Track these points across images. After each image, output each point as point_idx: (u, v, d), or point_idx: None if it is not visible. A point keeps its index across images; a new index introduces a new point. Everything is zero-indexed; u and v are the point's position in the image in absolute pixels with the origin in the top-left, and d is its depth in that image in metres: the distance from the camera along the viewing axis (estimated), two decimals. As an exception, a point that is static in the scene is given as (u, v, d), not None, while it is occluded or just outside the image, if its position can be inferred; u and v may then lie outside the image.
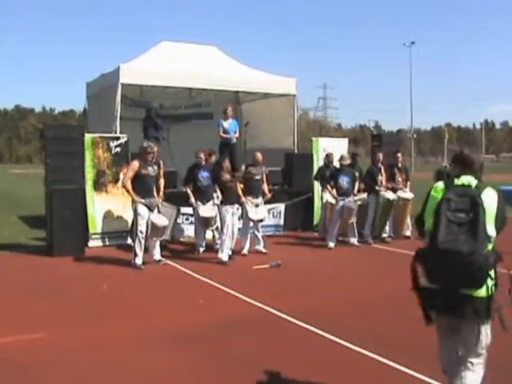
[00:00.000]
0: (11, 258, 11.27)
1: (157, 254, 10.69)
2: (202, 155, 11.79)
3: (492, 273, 3.80)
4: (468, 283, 3.79)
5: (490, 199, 3.91)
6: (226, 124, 14.33)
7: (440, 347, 4.23)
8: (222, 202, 11.06)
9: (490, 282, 3.80)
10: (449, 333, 4.08)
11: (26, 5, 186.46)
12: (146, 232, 10.32)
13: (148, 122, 14.10)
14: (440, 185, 4.10)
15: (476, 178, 4.03)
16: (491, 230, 3.85)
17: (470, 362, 3.98)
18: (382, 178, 13.27)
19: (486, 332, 3.95)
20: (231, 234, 10.87)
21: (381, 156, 13.40)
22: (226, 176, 10.92)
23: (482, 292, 3.81)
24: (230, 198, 10.97)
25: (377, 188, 13.07)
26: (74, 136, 11.84)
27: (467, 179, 4.02)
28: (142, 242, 10.31)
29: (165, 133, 14.36)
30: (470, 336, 3.94)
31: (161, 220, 10.50)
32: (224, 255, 10.70)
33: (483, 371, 4.04)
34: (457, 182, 4.04)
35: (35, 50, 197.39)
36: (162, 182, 11.12)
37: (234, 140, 14.56)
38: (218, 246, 11.04)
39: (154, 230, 10.37)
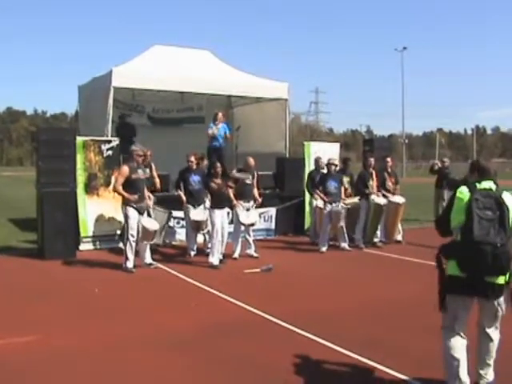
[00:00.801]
0: (2, 260, 11.23)
1: (148, 258, 10.69)
2: (193, 159, 11.80)
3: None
4: (495, 271, 4.52)
5: (509, 200, 4.64)
6: (215, 128, 14.39)
7: (453, 319, 4.78)
8: (211, 206, 11.08)
9: (509, 271, 4.57)
10: (465, 311, 4.74)
11: (18, 6, 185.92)
12: (137, 235, 10.33)
13: (123, 128, 14.34)
14: (464, 188, 4.70)
15: (495, 183, 4.76)
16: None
17: (495, 326, 4.85)
18: (373, 182, 13.29)
19: (502, 305, 4.76)
20: (221, 238, 10.88)
21: (372, 161, 13.42)
22: (214, 185, 10.91)
23: (501, 280, 4.57)
24: (219, 202, 10.97)
25: (367, 192, 13.10)
26: (67, 139, 11.81)
27: (488, 184, 4.72)
28: (133, 245, 10.31)
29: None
30: (492, 310, 4.76)
31: (152, 224, 10.51)
32: (215, 259, 10.71)
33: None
34: (479, 186, 4.69)
35: (27, 52, 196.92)
36: (157, 180, 11.27)
37: (222, 144, 14.60)
38: (209, 250, 11.05)
39: (145, 233, 10.37)
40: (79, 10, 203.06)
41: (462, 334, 4.73)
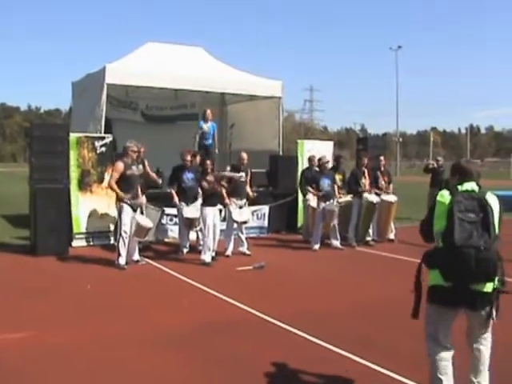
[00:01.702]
0: (-6, 256, 11.21)
1: (135, 255, 10.71)
2: (189, 157, 11.81)
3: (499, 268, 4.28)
4: (480, 277, 4.23)
5: (493, 202, 4.39)
6: (205, 127, 14.43)
7: (436, 329, 4.55)
8: (203, 204, 11.09)
9: (496, 277, 4.28)
10: (449, 322, 4.50)
11: (13, 3, 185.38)
12: (130, 232, 10.34)
13: None
14: (445, 192, 4.48)
15: (477, 185, 4.50)
16: (497, 229, 4.33)
17: (484, 338, 4.56)
18: (365, 181, 13.32)
19: (491, 315, 4.42)
20: (213, 236, 10.90)
21: (365, 159, 13.45)
22: (205, 183, 10.91)
23: (489, 287, 4.28)
24: (210, 200, 10.99)
25: (360, 191, 13.13)
26: (60, 135, 11.81)
27: (470, 185, 4.46)
28: (126, 242, 10.30)
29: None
30: (479, 320, 4.46)
31: (146, 221, 10.52)
32: (207, 256, 10.72)
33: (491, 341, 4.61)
34: (460, 188, 4.45)
35: (21, 48, 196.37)
36: (154, 176, 11.49)
37: (210, 142, 14.65)
38: (201, 248, 11.06)
39: (138, 230, 10.38)
40: (73, 7, 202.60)
41: (447, 345, 4.50)
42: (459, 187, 4.45)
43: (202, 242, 11.23)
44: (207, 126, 14.52)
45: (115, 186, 10.27)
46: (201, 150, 14.02)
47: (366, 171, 13.41)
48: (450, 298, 4.36)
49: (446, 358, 4.48)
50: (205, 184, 10.90)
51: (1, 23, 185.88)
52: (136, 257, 10.71)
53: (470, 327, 4.59)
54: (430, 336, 4.57)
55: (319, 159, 13.06)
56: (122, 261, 10.29)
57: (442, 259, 4.33)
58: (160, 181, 12.01)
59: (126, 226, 10.29)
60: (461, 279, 4.25)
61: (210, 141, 14.67)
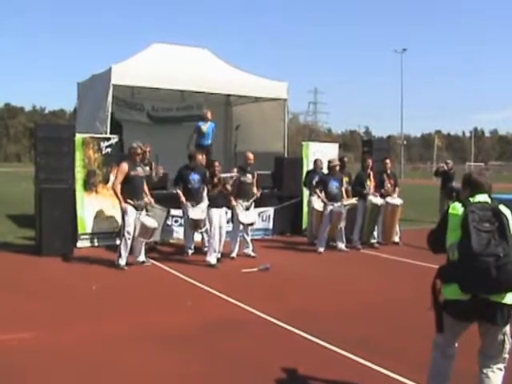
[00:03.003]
0: (-1, 256, 11.24)
1: (141, 256, 10.70)
2: (200, 157, 11.82)
3: None
4: (501, 286, 4.07)
5: (506, 212, 4.28)
6: (204, 127, 14.43)
7: (437, 350, 4.50)
8: (209, 205, 11.08)
9: None
10: (459, 332, 4.41)
11: (18, 2, 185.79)
12: (134, 233, 10.34)
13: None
14: (457, 204, 4.39)
15: (489, 197, 4.41)
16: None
17: (499, 368, 4.32)
18: (370, 183, 13.31)
19: (509, 336, 4.31)
20: (219, 237, 10.89)
21: (370, 162, 13.44)
22: (210, 186, 10.93)
23: (510, 299, 4.13)
24: (216, 201, 10.98)
25: (364, 193, 13.11)
26: (65, 136, 11.81)
27: (482, 197, 4.37)
28: (129, 242, 10.30)
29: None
30: (496, 340, 4.29)
31: (151, 222, 10.51)
32: (212, 258, 10.72)
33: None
34: (472, 200, 4.35)
35: (26, 48, 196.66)
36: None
37: (209, 141, 14.65)
38: (207, 249, 11.06)
39: (143, 231, 10.37)
40: (79, 7, 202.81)
41: (453, 354, 4.44)
42: (471, 199, 4.36)
43: (207, 244, 11.22)
44: (206, 126, 14.54)
45: (118, 190, 10.28)
46: (199, 150, 14.05)
47: (371, 173, 13.40)
48: (468, 312, 4.23)
49: (445, 374, 4.44)
50: (209, 187, 10.90)
51: (6, 23, 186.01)
52: (142, 258, 10.69)
53: (484, 345, 4.39)
54: (437, 346, 4.50)
55: (329, 161, 13.03)
56: (122, 261, 10.28)
57: (459, 271, 4.15)
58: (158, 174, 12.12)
59: (130, 227, 10.28)
60: (480, 289, 4.10)
61: (209, 141, 14.66)
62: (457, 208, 4.34)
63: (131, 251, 10.54)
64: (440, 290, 4.35)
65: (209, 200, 11.14)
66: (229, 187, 11.21)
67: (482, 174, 4.63)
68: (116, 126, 14.32)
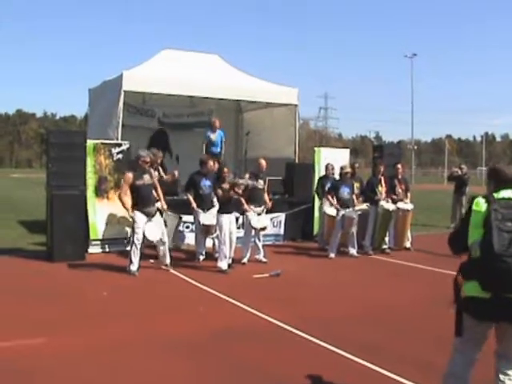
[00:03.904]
0: (11, 262, 11.29)
1: (165, 259, 10.81)
2: (211, 162, 11.85)
3: None
4: None
5: None
6: (213, 136, 14.52)
7: (456, 354, 4.38)
8: (219, 211, 11.10)
9: None
10: (480, 335, 4.26)
11: (30, 8, 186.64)
12: (143, 239, 10.39)
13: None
14: (480, 200, 4.24)
15: None
16: None
17: None
18: (382, 188, 13.28)
19: None
20: (229, 243, 10.90)
21: (382, 167, 13.43)
22: (219, 191, 10.91)
23: None
24: (226, 207, 10.99)
25: (376, 199, 13.10)
26: (77, 142, 11.83)
27: (507, 193, 4.22)
28: (138, 248, 10.33)
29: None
30: None
31: (153, 234, 10.48)
32: (223, 264, 10.72)
33: None
34: (497, 196, 4.21)
35: (37, 55, 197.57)
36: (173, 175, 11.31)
37: (218, 150, 14.75)
38: (218, 255, 11.06)
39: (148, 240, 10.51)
40: (90, 13, 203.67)
41: (472, 360, 4.32)
42: (495, 195, 4.22)
43: (218, 249, 11.22)
44: (214, 135, 14.61)
45: (124, 200, 10.33)
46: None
47: (382, 179, 13.38)
48: (488, 310, 4.12)
49: (463, 373, 4.32)
50: (219, 192, 10.92)
51: (16, 30, 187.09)
52: (167, 261, 10.83)
53: (503, 347, 4.31)
54: (455, 350, 4.39)
55: (341, 168, 13.05)
56: (134, 267, 10.31)
57: (480, 269, 4.05)
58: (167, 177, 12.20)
59: (139, 234, 10.30)
60: (501, 289, 4.00)
61: (219, 149, 14.75)
62: (480, 204, 4.21)
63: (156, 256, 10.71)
64: (461, 287, 4.24)
65: (219, 206, 11.15)
66: (239, 191, 11.22)
67: (508, 167, 4.50)
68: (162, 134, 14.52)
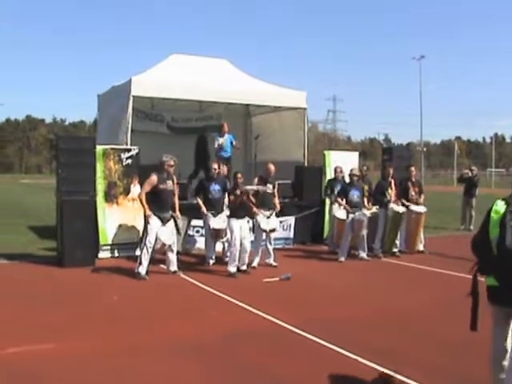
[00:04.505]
0: (21, 267, 11.30)
1: (173, 266, 10.77)
2: (215, 166, 11.86)
3: None
4: None
5: None
6: (222, 140, 14.56)
7: (493, 339, 4.61)
8: (230, 215, 11.10)
9: None
10: (506, 322, 4.51)
11: (38, 14, 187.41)
12: (155, 243, 10.41)
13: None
14: (500, 202, 4.47)
15: None
16: None
17: None
18: (391, 191, 13.25)
19: None
20: (239, 246, 10.89)
21: (391, 170, 13.40)
22: (232, 197, 10.98)
23: None
24: (237, 212, 10.99)
25: (385, 201, 13.06)
26: (87, 147, 11.86)
27: None
28: (150, 251, 10.35)
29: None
30: None
31: (166, 236, 10.51)
32: (233, 267, 10.73)
33: None
34: None
35: (47, 60, 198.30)
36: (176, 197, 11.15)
37: (229, 154, 14.76)
38: (228, 259, 11.06)
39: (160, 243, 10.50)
40: (99, 19, 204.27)
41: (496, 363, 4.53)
42: None
43: (228, 254, 11.22)
44: (224, 139, 14.65)
45: (144, 199, 10.35)
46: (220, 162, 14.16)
47: (391, 182, 13.34)
48: (505, 296, 4.34)
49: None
50: (232, 198, 10.92)
51: (26, 35, 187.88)
52: (173, 268, 10.78)
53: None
54: (492, 358, 4.58)
55: (350, 170, 13.05)
56: (143, 270, 10.32)
57: (495, 265, 4.33)
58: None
59: (151, 237, 10.33)
60: (509, 280, 4.26)
61: (229, 153, 14.78)
62: (499, 205, 4.43)
63: (151, 261, 10.60)
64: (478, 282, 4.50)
65: (230, 211, 11.15)
66: (253, 199, 11.24)
67: None
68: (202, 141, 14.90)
